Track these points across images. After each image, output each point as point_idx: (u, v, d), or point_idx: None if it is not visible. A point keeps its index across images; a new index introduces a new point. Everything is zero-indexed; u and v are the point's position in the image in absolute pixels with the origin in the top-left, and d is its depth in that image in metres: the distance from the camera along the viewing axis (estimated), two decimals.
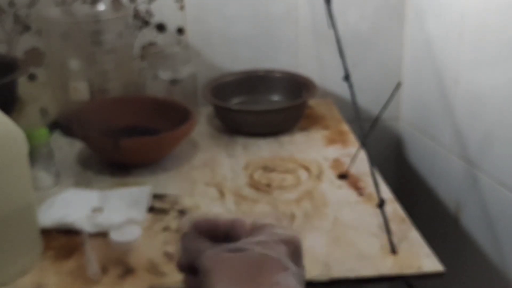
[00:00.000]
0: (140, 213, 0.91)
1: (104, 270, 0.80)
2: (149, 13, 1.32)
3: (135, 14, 1.32)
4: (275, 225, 0.44)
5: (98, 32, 1.19)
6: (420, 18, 1.29)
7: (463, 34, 1.11)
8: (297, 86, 1.29)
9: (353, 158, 1.06)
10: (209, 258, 0.41)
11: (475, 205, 1.10)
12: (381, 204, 0.87)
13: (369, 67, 1.40)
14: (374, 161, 0.91)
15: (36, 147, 0.98)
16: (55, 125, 1.17)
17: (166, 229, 0.89)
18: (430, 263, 0.80)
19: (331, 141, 1.18)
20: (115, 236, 0.84)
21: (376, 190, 0.88)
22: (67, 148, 1.15)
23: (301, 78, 1.31)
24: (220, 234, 0.44)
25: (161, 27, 1.33)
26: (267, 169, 1.07)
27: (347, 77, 0.94)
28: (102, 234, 0.86)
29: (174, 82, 1.25)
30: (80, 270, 0.80)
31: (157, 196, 0.98)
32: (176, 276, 0.79)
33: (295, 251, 0.43)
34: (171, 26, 1.33)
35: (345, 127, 1.24)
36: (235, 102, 1.31)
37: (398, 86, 0.93)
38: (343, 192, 0.99)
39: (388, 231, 0.84)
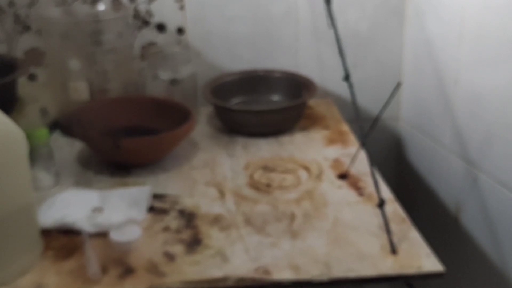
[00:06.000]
0: (140, 213, 0.91)
1: (104, 270, 0.80)
2: (149, 13, 1.32)
3: (135, 14, 1.32)
4: None
5: (98, 32, 1.19)
6: (420, 18, 1.29)
7: (463, 34, 1.11)
8: (297, 86, 1.29)
9: (353, 158, 1.06)
10: None
11: (475, 205, 1.10)
12: (381, 204, 0.87)
13: (369, 67, 1.40)
14: (374, 161, 0.91)
15: (36, 147, 0.98)
16: (55, 125, 1.17)
17: (166, 229, 0.89)
18: (430, 263, 0.80)
19: (331, 141, 1.18)
20: (115, 236, 0.84)
21: (376, 190, 0.88)
22: (67, 148, 1.16)
23: (301, 78, 1.31)
24: None
25: (161, 27, 1.33)
26: (267, 169, 1.08)
27: (347, 77, 0.94)
28: (102, 234, 0.86)
29: (174, 82, 1.25)
30: (80, 270, 0.80)
31: (157, 196, 0.98)
32: (176, 276, 0.79)
33: None
34: (171, 26, 1.33)
35: (345, 127, 1.24)
36: (235, 102, 1.31)
37: (398, 86, 0.93)
38: (343, 192, 0.99)
39: (388, 231, 0.84)
